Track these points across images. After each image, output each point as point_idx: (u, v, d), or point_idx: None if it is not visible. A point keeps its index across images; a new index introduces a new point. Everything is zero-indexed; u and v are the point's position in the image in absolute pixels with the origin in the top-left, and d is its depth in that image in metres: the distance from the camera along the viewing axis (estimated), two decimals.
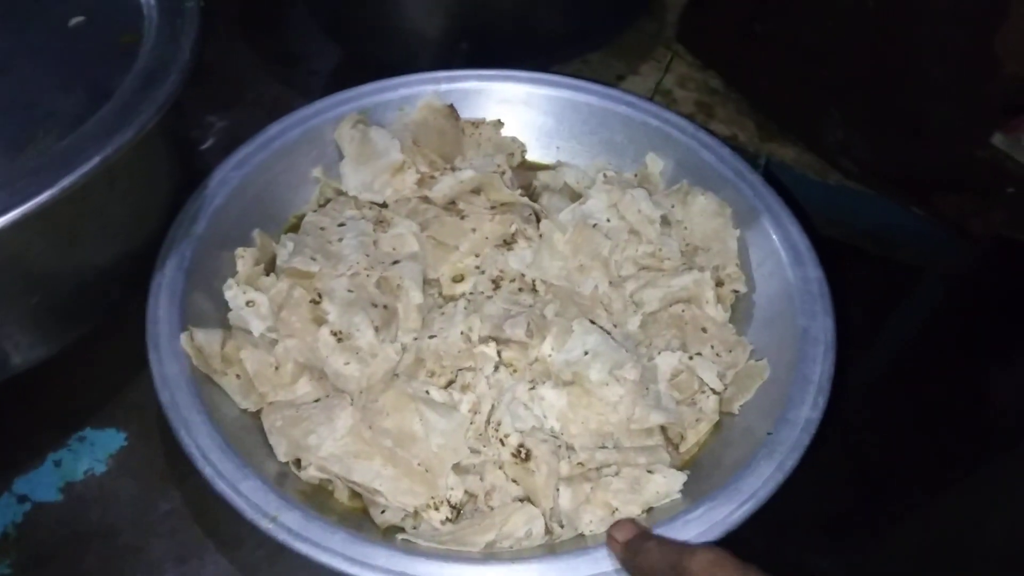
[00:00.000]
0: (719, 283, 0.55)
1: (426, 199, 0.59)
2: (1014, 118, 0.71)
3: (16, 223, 0.37)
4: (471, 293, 0.54)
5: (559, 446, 0.46)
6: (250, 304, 0.50)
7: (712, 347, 0.52)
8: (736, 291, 0.55)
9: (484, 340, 0.50)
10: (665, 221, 0.57)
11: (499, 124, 0.64)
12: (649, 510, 0.44)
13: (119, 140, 0.39)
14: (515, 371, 0.50)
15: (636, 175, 0.62)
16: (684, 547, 0.38)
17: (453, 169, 0.60)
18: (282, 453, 0.45)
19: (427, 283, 0.54)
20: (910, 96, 0.64)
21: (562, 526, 0.44)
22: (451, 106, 0.63)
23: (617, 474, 0.45)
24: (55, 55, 0.48)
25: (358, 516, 0.44)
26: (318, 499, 0.44)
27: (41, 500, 0.47)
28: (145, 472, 0.48)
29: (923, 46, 0.60)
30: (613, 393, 0.47)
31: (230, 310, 0.50)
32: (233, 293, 0.50)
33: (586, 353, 0.48)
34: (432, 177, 0.59)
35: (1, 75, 0.46)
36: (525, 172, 0.63)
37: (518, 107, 0.64)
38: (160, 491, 0.47)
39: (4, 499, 0.47)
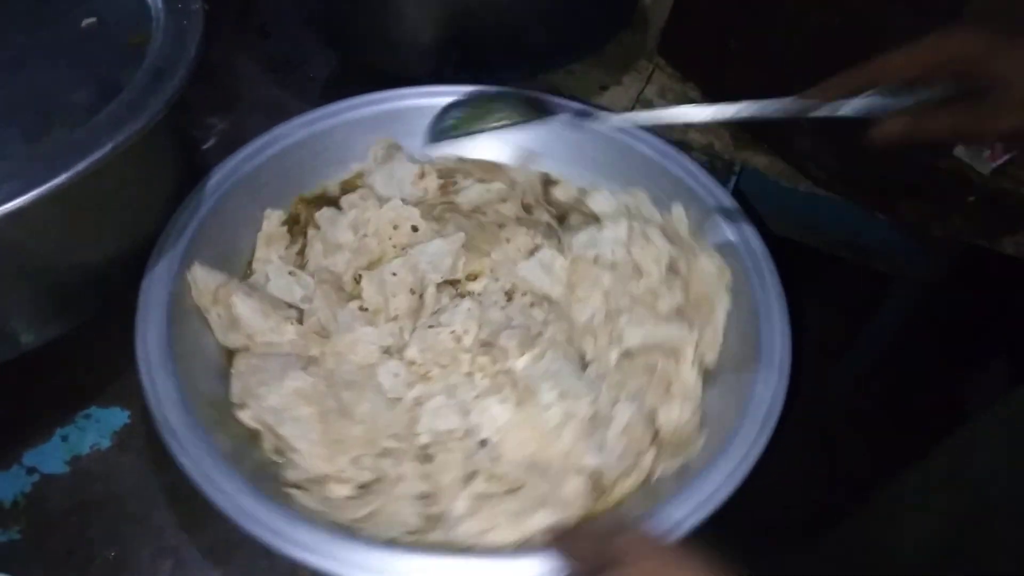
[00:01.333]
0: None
1: (452, 204, 0.62)
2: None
3: (32, 205, 0.40)
4: (479, 294, 0.57)
5: (479, 456, 0.48)
6: (292, 274, 0.55)
7: (673, 407, 0.51)
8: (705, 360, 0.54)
9: (482, 345, 0.53)
10: (672, 268, 0.58)
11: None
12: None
13: (129, 130, 0.42)
14: (483, 376, 0.52)
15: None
16: (614, 531, 0.39)
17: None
18: (235, 394, 0.49)
19: (449, 283, 0.58)
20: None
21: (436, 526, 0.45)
22: None
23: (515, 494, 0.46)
24: (68, 54, 0.51)
25: (272, 469, 0.46)
26: (245, 445, 0.47)
27: (49, 472, 0.50)
28: (147, 448, 0.51)
29: None
30: (554, 416, 0.49)
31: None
32: (275, 267, 0.55)
33: (546, 375, 0.51)
34: (454, 182, 0.63)
35: (18, 71, 0.49)
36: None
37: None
38: (161, 465, 0.50)
39: (14, 470, 0.49)
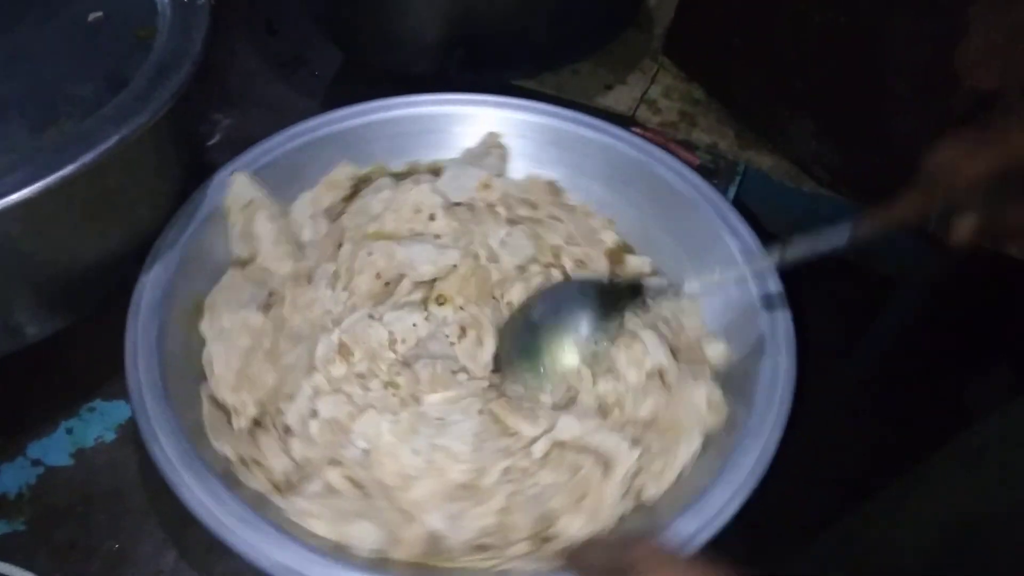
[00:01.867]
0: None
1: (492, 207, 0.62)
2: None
3: (39, 196, 0.40)
4: (438, 317, 0.56)
5: (350, 453, 0.47)
6: (312, 217, 0.59)
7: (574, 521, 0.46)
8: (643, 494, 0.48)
9: (404, 362, 0.53)
10: (659, 376, 0.52)
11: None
12: None
13: (136, 123, 0.43)
14: (392, 390, 0.51)
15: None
16: (622, 542, 0.39)
17: None
18: (207, 300, 0.53)
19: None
20: (877, 108, 0.68)
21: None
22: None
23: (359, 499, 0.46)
24: (75, 47, 0.51)
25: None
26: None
27: (54, 464, 0.50)
28: None
29: (888, 61, 0.65)
30: (418, 463, 0.47)
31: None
32: (304, 204, 0.59)
33: (447, 423, 0.50)
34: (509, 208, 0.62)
35: (24, 63, 0.49)
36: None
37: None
38: None
39: (19, 462, 0.50)
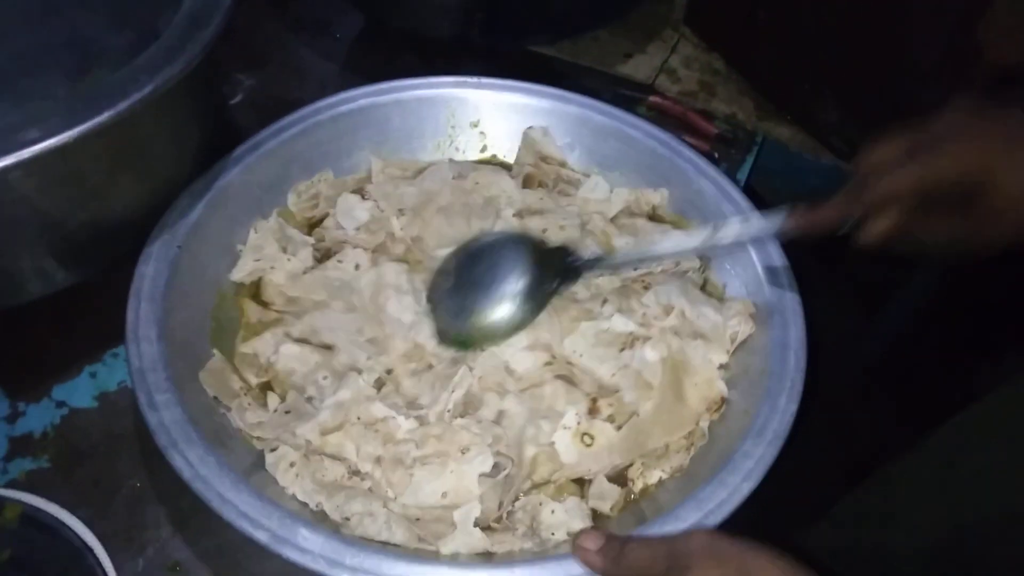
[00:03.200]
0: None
1: None
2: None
3: (75, 142, 0.41)
4: None
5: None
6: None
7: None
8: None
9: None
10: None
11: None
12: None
13: (169, 73, 0.43)
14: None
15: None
16: (673, 536, 0.38)
17: None
18: None
19: None
20: (899, 80, 0.67)
21: None
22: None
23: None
24: (106, 1, 0.52)
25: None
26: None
27: (77, 406, 0.51)
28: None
29: (912, 34, 0.64)
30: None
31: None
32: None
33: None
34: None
35: (57, 16, 0.50)
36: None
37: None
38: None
39: (44, 404, 0.51)
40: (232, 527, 0.40)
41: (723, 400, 0.50)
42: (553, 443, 0.47)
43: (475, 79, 0.64)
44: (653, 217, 0.61)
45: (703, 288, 0.57)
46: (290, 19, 0.81)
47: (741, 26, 0.77)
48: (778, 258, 0.55)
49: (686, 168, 0.60)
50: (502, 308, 0.50)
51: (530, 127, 0.64)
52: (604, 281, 0.55)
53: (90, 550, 0.41)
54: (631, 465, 0.48)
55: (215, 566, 0.46)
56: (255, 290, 0.55)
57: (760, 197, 0.63)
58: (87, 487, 0.48)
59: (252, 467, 0.46)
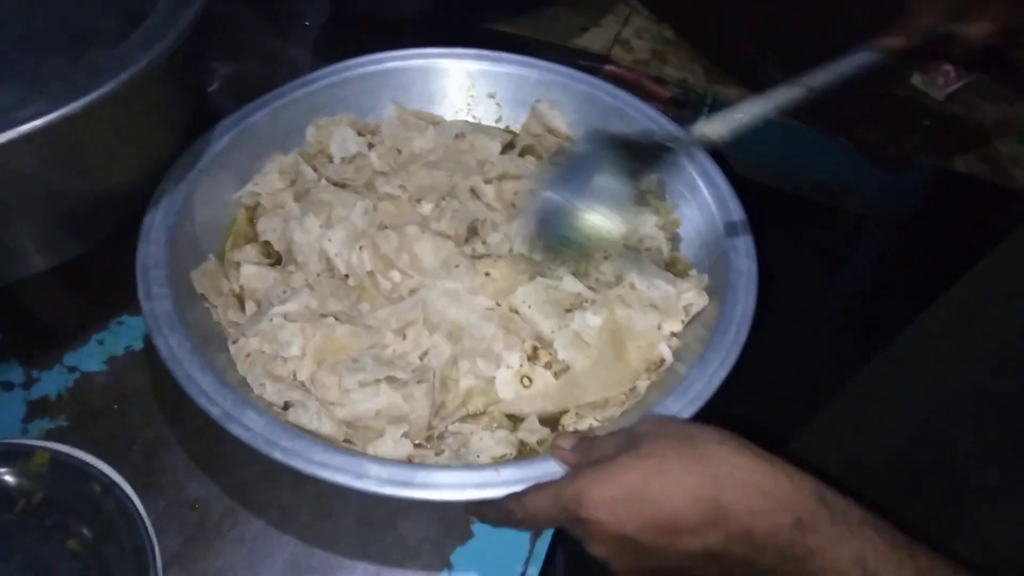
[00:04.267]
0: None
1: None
2: (930, 62, 0.81)
3: (80, 113, 0.44)
4: None
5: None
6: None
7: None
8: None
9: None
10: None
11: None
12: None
13: (161, 48, 0.47)
14: None
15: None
16: (631, 425, 0.42)
17: None
18: None
19: None
20: (837, 41, 0.73)
21: None
22: None
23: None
24: None
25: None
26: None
27: (88, 370, 0.55)
28: None
29: None
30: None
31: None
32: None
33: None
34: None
35: (50, 4, 0.53)
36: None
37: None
38: None
39: (56, 370, 0.54)
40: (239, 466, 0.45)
41: (662, 361, 0.54)
42: (493, 378, 0.52)
43: (494, 53, 0.69)
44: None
45: (672, 266, 0.61)
46: (261, 9, 0.84)
47: None
48: (744, 238, 0.58)
49: None
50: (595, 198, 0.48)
51: (539, 100, 0.68)
52: None
53: (117, 486, 0.44)
54: (566, 412, 0.53)
55: (230, 503, 0.49)
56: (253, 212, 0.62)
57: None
58: (105, 440, 0.51)
59: (225, 360, 0.52)
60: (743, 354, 0.51)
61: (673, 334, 0.56)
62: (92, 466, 0.45)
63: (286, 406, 0.50)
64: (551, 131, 0.68)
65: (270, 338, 0.52)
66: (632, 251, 0.60)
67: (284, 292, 0.55)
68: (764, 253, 0.59)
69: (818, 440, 0.74)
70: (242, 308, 0.56)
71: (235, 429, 0.45)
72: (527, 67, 0.69)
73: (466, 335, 0.54)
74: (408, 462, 0.48)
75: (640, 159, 0.49)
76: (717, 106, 0.80)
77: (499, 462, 0.48)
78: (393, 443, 0.49)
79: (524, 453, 0.50)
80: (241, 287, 0.57)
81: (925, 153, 0.77)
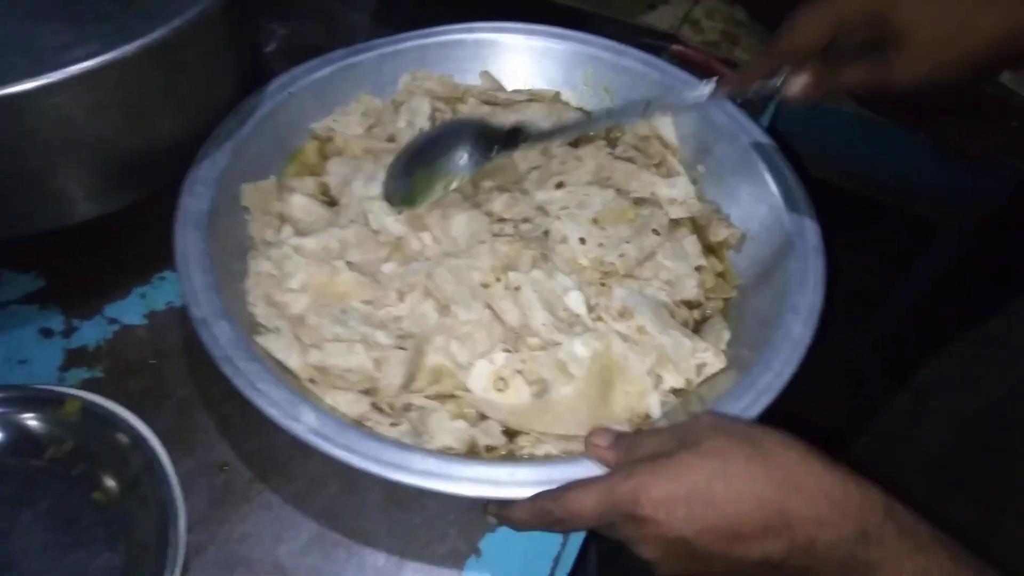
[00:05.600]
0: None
1: None
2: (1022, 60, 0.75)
3: (130, 59, 0.43)
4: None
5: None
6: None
7: None
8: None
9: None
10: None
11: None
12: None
13: None
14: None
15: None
16: (681, 423, 0.40)
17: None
18: None
19: None
20: None
21: None
22: None
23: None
24: None
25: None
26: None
27: (128, 323, 0.54)
28: None
29: None
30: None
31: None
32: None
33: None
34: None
35: None
36: None
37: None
38: None
39: (96, 320, 0.54)
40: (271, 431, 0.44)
41: (647, 416, 0.49)
42: (464, 365, 0.49)
43: (619, 46, 0.66)
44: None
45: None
46: None
47: None
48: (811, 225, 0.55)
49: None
50: (437, 166, 0.55)
51: None
52: (590, 252, 0.55)
53: (147, 440, 0.44)
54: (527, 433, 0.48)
55: (259, 467, 0.48)
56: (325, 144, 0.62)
57: (785, 143, 0.64)
58: (139, 395, 0.50)
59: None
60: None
61: (674, 391, 0.50)
62: (123, 418, 0.44)
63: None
64: (660, 139, 0.64)
65: (278, 265, 0.52)
66: (651, 298, 0.53)
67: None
68: (829, 255, 0.55)
69: (876, 445, 0.71)
70: (278, 228, 0.56)
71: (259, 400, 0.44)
72: (648, 66, 0.65)
73: (451, 312, 0.51)
74: (360, 423, 0.47)
75: (497, 141, 0.55)
76: None
77: (445, 452, 0.45)
78: (352, 398, 0.47)
79: (472, 452, 0.47)
80: (286, 213, 0.57)
81: (1010, 154, 0.72)
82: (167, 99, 0.50)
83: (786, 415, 0.43)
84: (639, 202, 0.58)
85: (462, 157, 0.55)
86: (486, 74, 0.67)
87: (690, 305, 0.55)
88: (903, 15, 0.42)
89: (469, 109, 0.64)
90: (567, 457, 0.44)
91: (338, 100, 0.63)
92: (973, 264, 1.02)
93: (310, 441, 0.43)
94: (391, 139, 0.62)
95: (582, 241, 0.55)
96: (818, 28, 0.45)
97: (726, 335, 0.52)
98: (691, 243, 0.56)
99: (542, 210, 0.57)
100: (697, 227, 0.58)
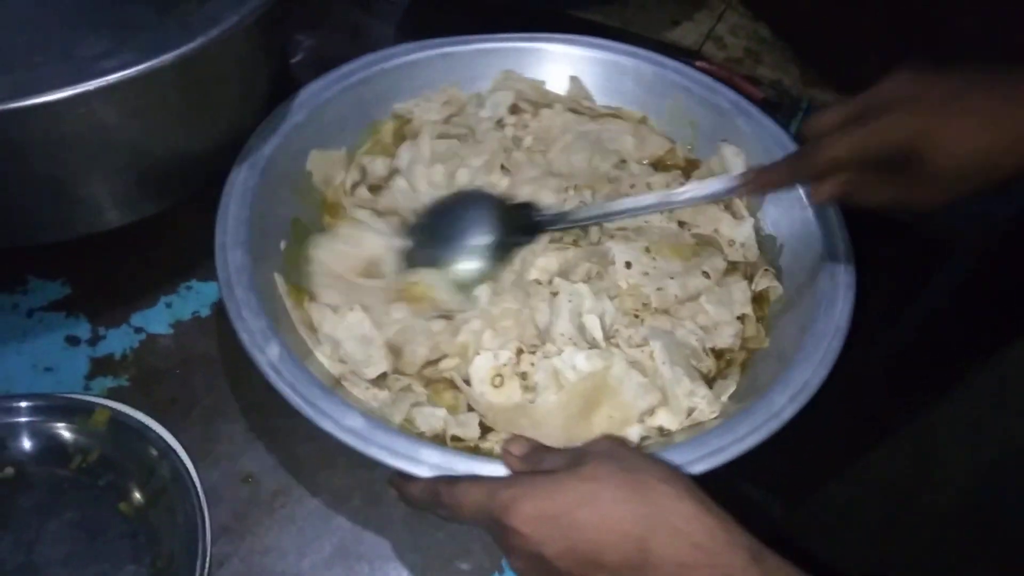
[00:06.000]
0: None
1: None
2: None
3: (165, 70, 0.43)
4: None
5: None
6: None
7: None
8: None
9: None
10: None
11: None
12: None
13: (251, 6, 0.46)
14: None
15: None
16: (585, 444, 0.40)
17: None
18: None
19: None
20: (946, 45, 0.68)
21: None
22: None
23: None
24: None
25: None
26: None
27: (154, 332, 0.54)
28: None
29: None
30: None
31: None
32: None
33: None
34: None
35: None
36: None
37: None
38: None
39: (123, 328, 0.54)
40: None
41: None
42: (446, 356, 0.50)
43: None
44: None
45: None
46: None
47: None
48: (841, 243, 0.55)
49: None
50: (466, 262, 0.54)
51: (725, 140, 0.62)
52: (631, 277, 0.54)
53: (174, 451, 0.44)
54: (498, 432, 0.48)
55: (284, 479, 0.48)
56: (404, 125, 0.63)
57: None
58: (165, 404, 0.50)
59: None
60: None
61: (662, 432, 0.48)
62: (151, 429, 0.44)
63: None
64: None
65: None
66: (678, 340, 0.52)
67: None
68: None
69: (879, 474, 0.70)
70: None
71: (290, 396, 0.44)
72: (736, 109, 0.63)
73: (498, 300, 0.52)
74: (335, 384, 0.48)
75: (516, 226, 0.55)
76: (811, 110, 0.76)
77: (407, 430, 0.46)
78: (326, 357, 0.49)
79: (437, 440, 0.47)
80: (350, 185, 0.58)
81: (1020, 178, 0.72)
82: (201, 109, 0.50)
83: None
84: (699, 239, 0.58)
85: (485, 246, 0.54)
86: (575, 80, 0.66)
87: (720, 354, 0.53)
88: (942, 149, 0.42)
89: (553, 114, 0.64)
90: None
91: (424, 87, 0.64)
92: (989, 284, 1.02)
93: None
94: (471, 131, 0.62)
95: (628, 265, 0.54)
96: (851, 150, 0.44)
97: (732, 387, 0.51)
98: (740, 289, 0.55)
99: (600, 226, 0.57)
100: (747, 275, 0.57)
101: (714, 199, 0.55)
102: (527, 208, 0.56)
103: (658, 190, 0.59)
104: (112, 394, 0.51)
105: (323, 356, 0.49)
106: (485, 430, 0.48)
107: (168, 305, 0.55)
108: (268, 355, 0.45)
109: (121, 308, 0.55)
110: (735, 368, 0.52)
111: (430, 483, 0.40)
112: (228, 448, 0.49)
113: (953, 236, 0.94)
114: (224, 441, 0.49)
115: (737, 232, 0.58)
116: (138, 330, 0.54)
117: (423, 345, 0.50)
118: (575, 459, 0.38)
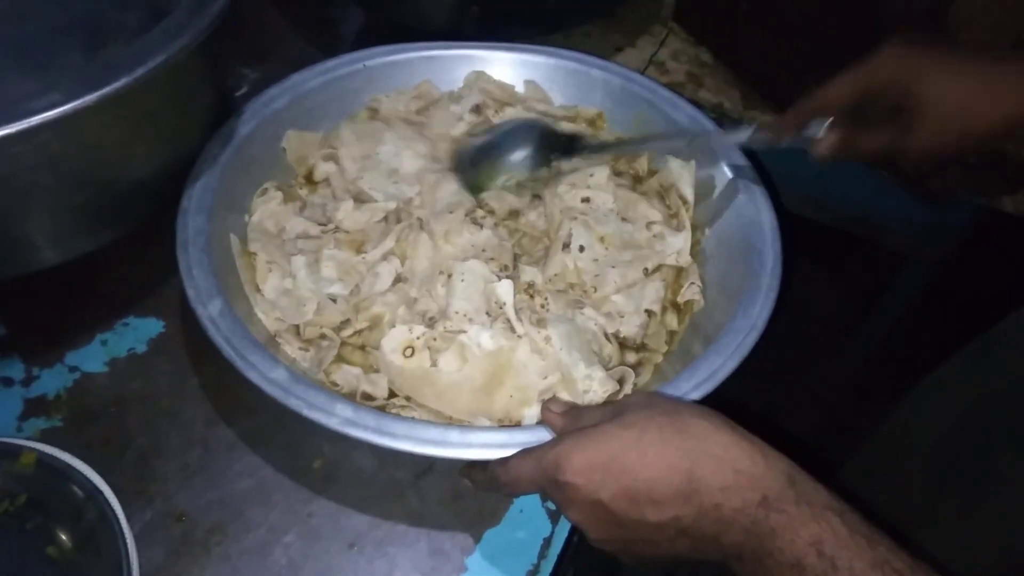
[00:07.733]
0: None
1: None
2: None
3: (93, 108, 0.43)
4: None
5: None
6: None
7: None
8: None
9: None
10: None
11: None
12: None
13: (179, 45, 0.46)
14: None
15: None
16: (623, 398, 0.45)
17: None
18: None
19: None
20: None
21: None
22: None
23: None
24: None
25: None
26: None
27: (89, 371, 0.53)
28: (180, 354, 0.55)
29: (887, 19, 0.67)
30: None
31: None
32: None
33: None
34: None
35: None
36: None
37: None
38: (192, 369, 0.54)
39: (57, 368, 0.53)
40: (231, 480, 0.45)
41: (520, 423, 0.50)
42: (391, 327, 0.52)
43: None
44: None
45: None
46: (293, 16, 0.84)
47: (727, 19, 0.80)
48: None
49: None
50: (501, 162, 0.61)
51: (673, 158, 0.64)
52: (580, 260, 0.57)
53: (100, 493, 0.43)
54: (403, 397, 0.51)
55: (218, 517, 0.48)
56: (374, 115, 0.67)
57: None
58: (98, 444, 0.50)
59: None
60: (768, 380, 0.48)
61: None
62: (77, 471, 0.44)
63: None
64: (679, 193, 0.63)
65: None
66: (576, 324, 0.54)
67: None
68: (800, 285, 0.56)
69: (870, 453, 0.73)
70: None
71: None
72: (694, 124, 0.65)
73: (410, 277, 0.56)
74: (269, 341, 0.51)
75: (557, 146, 0.61)
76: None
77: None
78: (264, 315, 0.53)
79: (351, 397, 0.50)
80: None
81: (969, 190, 0.74)
82: (132, 147, 0.50)
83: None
84: (653, 241, 0.61)
85: (524, 157, 0.61)
86: (531, 83, 0.69)
87: (626, 344, 0.55)
88: (926, 89, 0.45)
89: (515, 112, 0.67)
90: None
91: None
92: (942, 296, 1.03)
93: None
94: (428, 122, 0.67)
95: (581, 249, 0.57)
96: (849, 86, 0.48)
97: (637, 380, 0.53)
98: (654, 288, 0.57)
99: (567, 212, 0.60)
100: (676, 283, 0.59)
101: (735, 145, 0.61)
102: (570, 136, 0.63)
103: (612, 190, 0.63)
104: (45, 435, 0.50)
105: (262, 314, 0.53)
106: (390, 394, 0.51)
107: (104, 343, 0.55)
108: (209, 310, 0.48)
109: (56, 347, 0.54)
110: (649, 367, 0.55)
111: (489, 468, 0.43)
112: (162, 487, 0.48)
113: (904, 248, 0.96)
114: (158, 480, 0.49)
115: (677, 242, 0.60)
116: (72, 369, 0.53)
117: (337, 311, 0.53)
118: (615, 411, 0.40)
